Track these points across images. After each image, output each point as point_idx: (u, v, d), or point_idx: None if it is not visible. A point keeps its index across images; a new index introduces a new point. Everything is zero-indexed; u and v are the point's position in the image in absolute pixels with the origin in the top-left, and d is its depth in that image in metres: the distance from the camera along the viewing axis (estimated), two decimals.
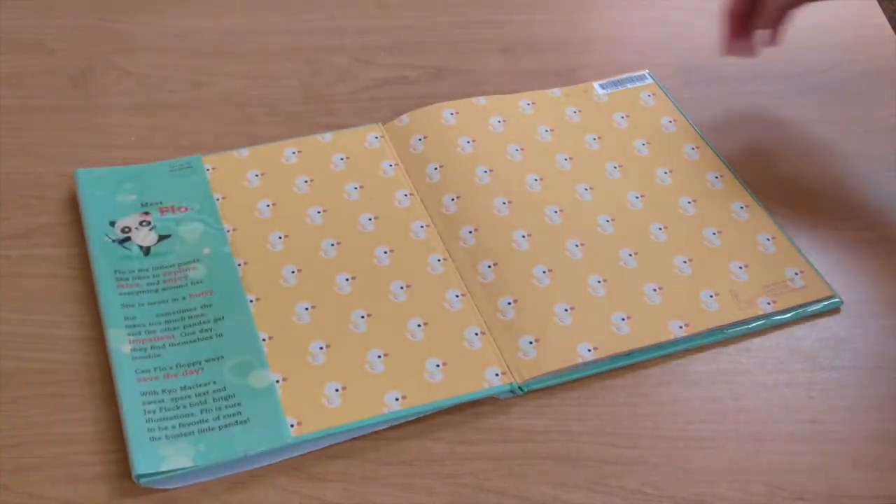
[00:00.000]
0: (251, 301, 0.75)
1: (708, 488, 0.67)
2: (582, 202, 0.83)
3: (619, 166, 0.86)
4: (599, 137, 0.88)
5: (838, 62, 0.99)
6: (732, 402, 0.72)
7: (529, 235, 0.80)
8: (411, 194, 0.83)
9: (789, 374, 0.73)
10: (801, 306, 0.76)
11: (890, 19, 1.04)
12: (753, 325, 0.75)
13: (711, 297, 0.76)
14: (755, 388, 0.72)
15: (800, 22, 1.01)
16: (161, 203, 0.82)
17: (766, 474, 0.68)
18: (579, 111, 0.91)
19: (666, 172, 0.85)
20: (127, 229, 0.80)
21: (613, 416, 0.71)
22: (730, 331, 0.75)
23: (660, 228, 0.81)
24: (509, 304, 0.75)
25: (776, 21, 0.79)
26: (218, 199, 0.82)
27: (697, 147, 0.88)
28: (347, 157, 0.86)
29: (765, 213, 0.82)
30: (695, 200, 0.83)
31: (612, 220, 0.81)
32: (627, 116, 0.90)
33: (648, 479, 0.67)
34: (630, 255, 0.79)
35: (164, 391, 0.69)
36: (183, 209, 0.82)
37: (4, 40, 0.98)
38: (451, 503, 0.66)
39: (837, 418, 0.71)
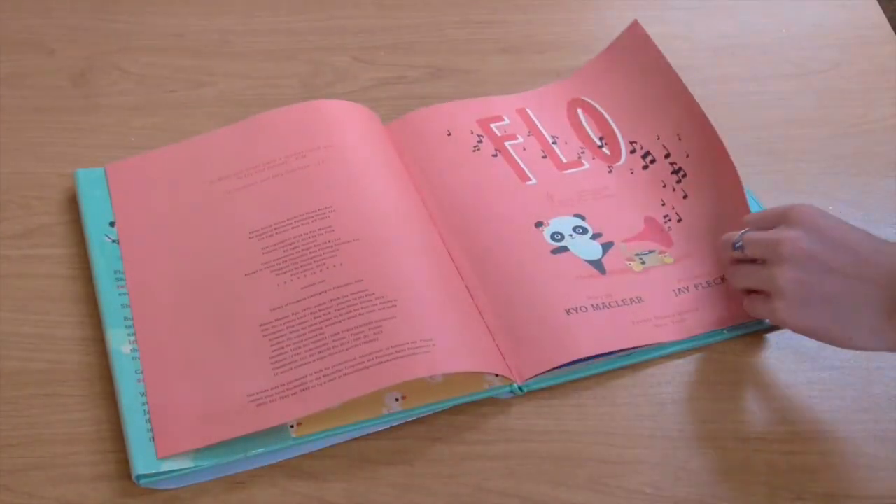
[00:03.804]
0: None
1: (708, 488, 0.67)
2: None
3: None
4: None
5: (838, 62, 0.99)
6: (732, 403, 0.72)
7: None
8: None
9: (789, 374, 0.73)
10: None
11: (890, 19, 1.04)
12: (753, 325, 0.75)
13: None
14: (755, 388, 0.72)
15: (800, 22, 1.01)
16: None
17: (765, 474, 0.68)
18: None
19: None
20: None
21: (613, 416, 0.71)
22: (730, 331, 0.75)
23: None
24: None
25: None
26: None
27: None
28: None
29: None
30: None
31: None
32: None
33: (648, 479, 0.67)
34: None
35: None
36: None
37: (4, 40, 0.98)
38: (451, 503, 0.66)
39: (837, 418, 0.71)
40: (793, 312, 0.68)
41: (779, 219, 0.70)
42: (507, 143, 0.87)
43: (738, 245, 0.72)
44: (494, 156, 0.86)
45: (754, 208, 0.82)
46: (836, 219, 0.69)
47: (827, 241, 0.67)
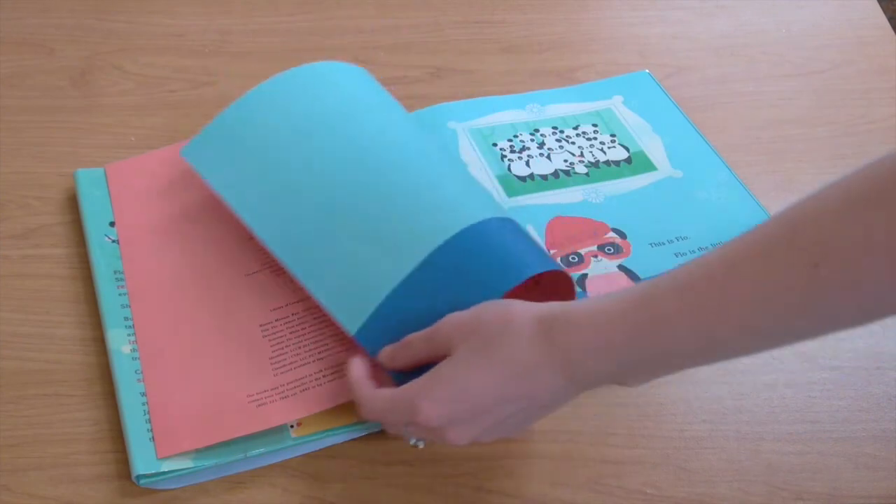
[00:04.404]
0: None
1: (708, 488, 0.67)
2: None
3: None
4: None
5: (838, 62, 0.99)
6: (732, 402, 0.71)
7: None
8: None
9: (789, 374, 0.73)
10: None
11: (890, 19, 1.04)
12: None
13: None
14: (755, 388, 0.72)
15: (800, 22, 1.01)
16: None
17: (766, 474, 0.68)
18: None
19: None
20: None
21: (613, 416, 0.71)
22: None
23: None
24: None
25: None
26: None
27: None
28: None
29: (764, 214, 0.82)
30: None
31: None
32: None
33: (648, 479, 0.67)
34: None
35: None
36: None
37: (4, 40, 0.98)
38: (450, 503, 0.66)
39: (837, 418, 0.71)
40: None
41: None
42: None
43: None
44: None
45: (754, 208, 0.83)
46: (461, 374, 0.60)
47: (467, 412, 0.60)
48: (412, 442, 0.63)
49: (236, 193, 0.75)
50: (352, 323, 0.67)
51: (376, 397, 0.63)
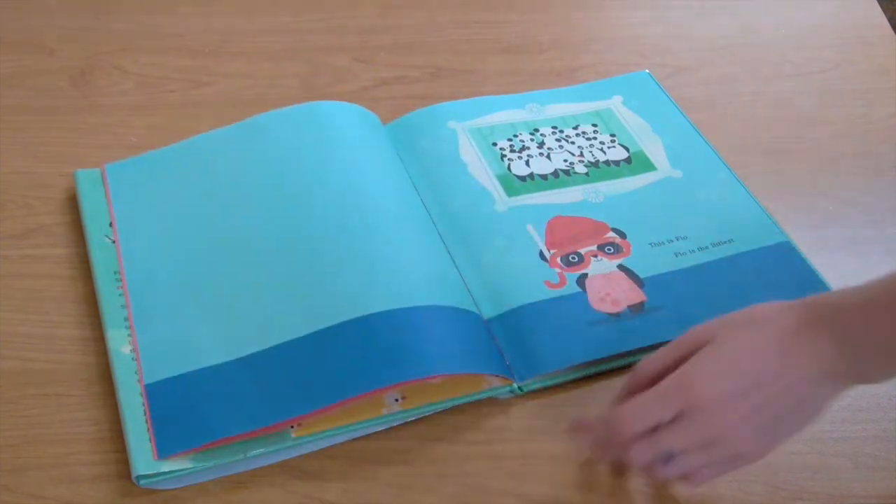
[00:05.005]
0: None
1: (708, 488, 0.67)
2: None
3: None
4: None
5: (838, 62, 0.99)
6: None
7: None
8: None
9: None
10: None
11: (890, 19, 1.04)
12: None
13: None
14: None
15: (800, 22, 1.01)
16: None
17: (766, 474, 0.67)
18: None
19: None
20: None
21: None
22: None
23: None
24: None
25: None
26: None
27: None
28: None
29: (764, 214, 0.82)
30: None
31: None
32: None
33: (648, 479, 0.67)
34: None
35: None
36: None
37: (4, 40, 0.98)
38: (450, 503, 0.66)
39: (837, 418, 0.71)
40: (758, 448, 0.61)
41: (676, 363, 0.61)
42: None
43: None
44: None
45: (754, 208, 0.83)
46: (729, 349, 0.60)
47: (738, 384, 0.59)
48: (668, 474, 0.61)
49: (130, 226, 0.78)
50: (151, 374, 0.68)
51: (638, 399, 0.60)
